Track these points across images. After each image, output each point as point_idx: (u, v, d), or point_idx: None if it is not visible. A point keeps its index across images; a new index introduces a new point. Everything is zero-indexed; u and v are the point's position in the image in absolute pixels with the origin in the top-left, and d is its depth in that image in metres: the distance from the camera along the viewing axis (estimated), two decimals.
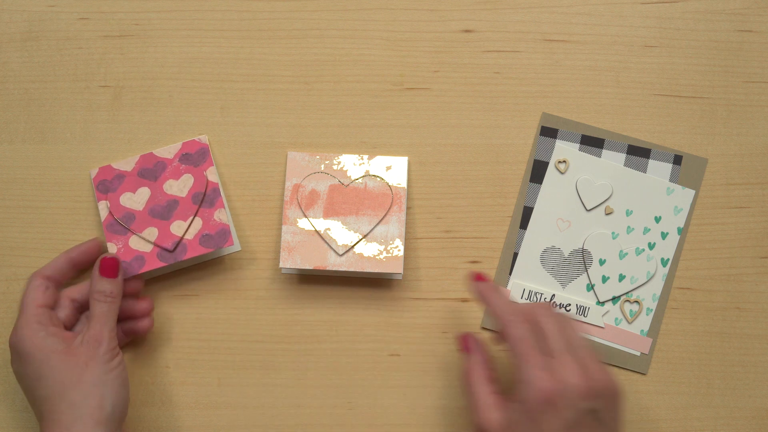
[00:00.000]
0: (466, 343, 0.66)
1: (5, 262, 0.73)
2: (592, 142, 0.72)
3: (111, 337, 0.65)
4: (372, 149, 0.73)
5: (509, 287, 0.72)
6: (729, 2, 0.73)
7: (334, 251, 0.70)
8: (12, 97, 0.74)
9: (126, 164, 0.72)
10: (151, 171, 0.72)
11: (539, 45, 0.73)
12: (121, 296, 0.67)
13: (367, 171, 0.72)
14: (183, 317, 0.73)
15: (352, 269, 0.70)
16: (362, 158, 0.72)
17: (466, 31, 0.74)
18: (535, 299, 0.71)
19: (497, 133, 0.73)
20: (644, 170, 0.71)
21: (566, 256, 0.71)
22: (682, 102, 0.73)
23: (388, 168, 0.72)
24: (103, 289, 0.66)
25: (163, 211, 0.71)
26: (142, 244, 0.70)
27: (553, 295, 0.71)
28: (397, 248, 0.70)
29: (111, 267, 0.67)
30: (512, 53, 0.73)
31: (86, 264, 0.70)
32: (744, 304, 0.72)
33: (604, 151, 0.72)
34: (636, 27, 0.73)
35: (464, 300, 0.72)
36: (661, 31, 0.73)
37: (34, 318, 0.65)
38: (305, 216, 0.71)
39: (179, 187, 0.71)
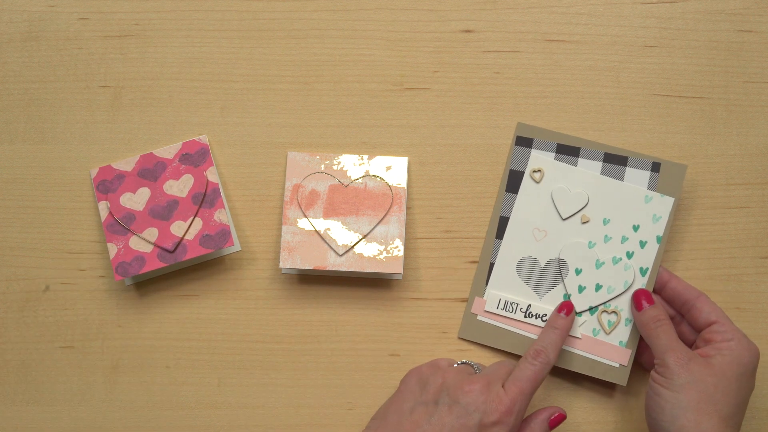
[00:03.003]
0: (649, 297, 0.68)
1: (5, 262, 0.73)
2: (568, 151, 0.71)
3: None
4: (372, 149, 0.73)
5: (485, 297, 0.71)
6: (729, 2, 0.73)
7: (334, 251, 0.70)
8: (12, 97, 0.74)
9: (126, 164, 0.72)
10: (151, 171, 0.72)
11: (539, 45, 0.73)
12: None
13: (367, 171, 0.72)
14: (183, 317, 0.73)
15: (352, 269, 0.70)
16: (362, 158, 0.72)
17: (466, 31, 0.74)
18: (511, 309, 0.71)
19: (497, 133, 0.73)
20: (621, 178, 0.70)
21: (543, 266, 0.71)
22: (682, 102, 0.73)
23: (388, 168, 0.72)
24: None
25: (163, 211, 0.71)
26: (142, 244, 0.70)
27: (529, 305, 0.71)
28: (397, 248, 0.70)
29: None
30: (512, 53, 0.73)
31: None
32: (744, 304, 0.72)
33: (580, 160, 0.71)
34: (636, 27, 0.73)
35: (464, 300, 0.72)
36: (661, 31, 0.73)
37: None
38: (305, 216, 0.71)
39: (179, 187, 0.71)
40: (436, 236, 0.73)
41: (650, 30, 0.73)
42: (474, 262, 0.72)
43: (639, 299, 0.68)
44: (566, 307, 0.68)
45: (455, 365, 0.68)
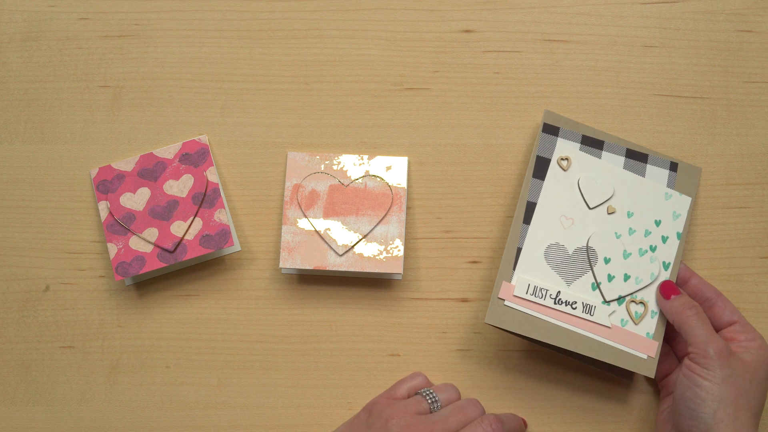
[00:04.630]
0: (671, 288, 0.68)
1: (5, 262, 0.73)
2: (593, 143, 0.71)
3: None
4: (372, 149, 0.73)
5: (514, 282, 0.70)
6: (729, 2, 0.73)
7: (334, 251, 0.70)
8: (12, 97, 0.74)
9: (126, 164, 0.72)
10: (151, 171, 0.72)
11: (539, 45, 0.73)
12: None
13: (367, 171, 0.72)
14: (183, 317, 0.73)
15: (352, 269, 0.70)
16: (362, 158, 0.72)
17: (466, 31, 0.74)
18: (540, 295, 0.70)
19: (497, 133, 0.73)
20: (642, 174, 0.71)
21: (570, 253, 0.71)
22: (682, 102, 0.73)
23: (388, 168, 0.72)
24: None
25: (164, 211, 0.71)
26: (142, 244, 0.70)
27: (559, 291, 0.70)
28: (397, 248, 0.70)
29: None
30: (512, 53, 0.73)
31: None
32: (744, 304, 0.72)
33: (604, 153, 0.71)
34: (636, 27, 0.73)
35: (464, 300, 0.72)
36: (661, 31, 0.73)
37: None
38: (305, 216, 0.71)
39: (179, 187, 0.71)
40: (436, 236, 0.73)
41: (650, 30, 0.73)
42: (474, 261, 0.72)
43: (666, 290, 0.68)
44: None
45: (416, 394, 0.68)
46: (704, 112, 0.73)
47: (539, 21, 0.73)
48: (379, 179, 0.72)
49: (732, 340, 0.66)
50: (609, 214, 0.71)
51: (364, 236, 0.70)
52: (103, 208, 0.72)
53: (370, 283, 0.73)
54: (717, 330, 0.68)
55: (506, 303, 0.69)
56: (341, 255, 0.70)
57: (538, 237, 0.70)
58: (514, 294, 0.69)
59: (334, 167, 0.72)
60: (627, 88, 0.73)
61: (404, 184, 0.72)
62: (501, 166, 0.73)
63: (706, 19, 0.73)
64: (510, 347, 0.72)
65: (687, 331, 0.65)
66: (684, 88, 0.73)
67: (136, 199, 0.71)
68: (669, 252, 0.70)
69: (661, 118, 0.73)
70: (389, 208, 0.71)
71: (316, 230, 0.71)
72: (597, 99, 0.73)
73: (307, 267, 0.70)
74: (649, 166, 0.71)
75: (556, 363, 0.72)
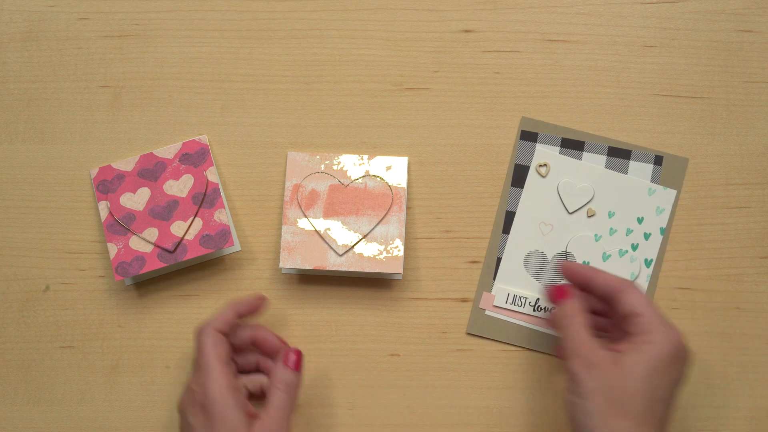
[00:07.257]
0: (562, 291, 0.65)
1: (5, 262, 0.73)
2: (573, 145, 0.72)
3: (288, 429, 0.64)
4: (372, 149, 0.73)
5: (494, 292, 0.72)
6: (729, 2, 0.73)
7: (334, 251, 0.70)
8: (12, 97, 0.74)
9: (126, 164, 0.72)
10: (151, 171, 0.72)
11: (539, 45, 0.73)
12: (300, 388, 0.67)
13: (367, 171, 0.72)
14: (183, 317, 0.73)
15: (352, 269, 0.70)
16: (362, 158, 0.72)
17: (466, 31, 0.74)
18: (519, 303, 0.71)
19: (497, 133, 0.73)
20: (625, 171, 0.71)
21: (550, 259, 0.71)
22: (682, 102, 0.73)
23: (388, 168, 0.72)
24: (288, 381, 0.65)
25: (164, 211, 0.71)
26: (142, 244, 0.70)
27: (538, 299, 0.71)
28: (397, 248, 0.70)
29: (296, 360, 0.66)
30: (512, 53, 0.73)
31: (249, 317, 0.69)
32: (744, 304, 0.72)
33: (585, 154, 0.71)
34: (636, 27, 0.73)
35: (464, 300, 0.72)
36: (661, 31, 0.73)
37: (224, 379, 0.63)
38: (305, 216, 0.71)
39: (179, 187, 0.71)
40: (436, 236, 0.73)
41: (650, 30, 0.73)
42: (474, 261, 0.72)
43: (553, 295, 0.66)
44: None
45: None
46: (704, 112, 0.73)
47: (539, 21, 0.73)
48: (379, 179, 0.72)
49: (629, 334, 0.62)
50: (589, 217, 0.71)
51: (364, 236, 0.70)
52: (103, 208, 0.72)
53: (370, 283, 0.73)
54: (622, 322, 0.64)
55: (487, 313, 0.72)
56: (341, 255, 0.70)
57: (517, 245, 0.71)
58: (494, 304, 0.72)
59: (334, 167, 0.72)
60: (627, 88, 0.73)
61: (404, 184, 0.72)
62: (501, 166, 0.73)
63: (706, 19, 0.73)
64: (510, 347, 0.72)
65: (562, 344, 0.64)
66: (684, 88, 0.73)
67: (136, 199, 0.71)
68: (651, 249, 0.71)
69: (661, 118, 0.73)
70: (389, 208, 0.71)
71: (316, 230, 0.71)
72: (597, 99, 0.73)
73: (307, 267, 0.70)
74: (632, 162, 0.71)
75: (556, 363, 0.72)
